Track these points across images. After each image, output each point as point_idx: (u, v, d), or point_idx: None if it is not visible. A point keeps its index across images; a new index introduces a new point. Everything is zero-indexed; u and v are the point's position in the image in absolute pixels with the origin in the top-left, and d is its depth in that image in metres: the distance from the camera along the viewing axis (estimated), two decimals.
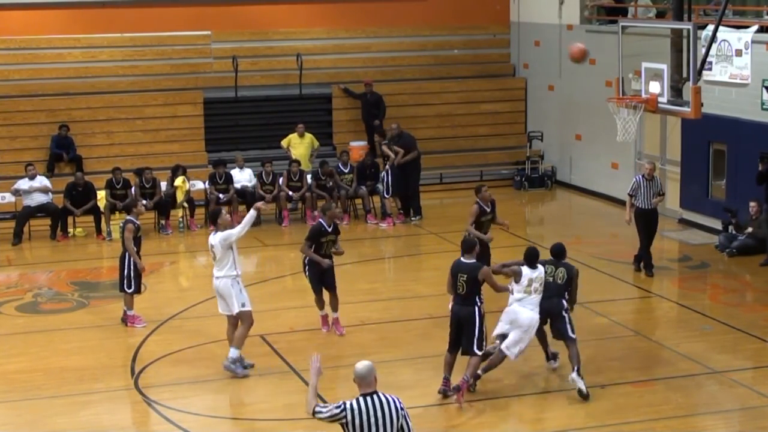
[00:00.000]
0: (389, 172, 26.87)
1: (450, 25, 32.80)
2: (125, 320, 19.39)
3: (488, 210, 19.73)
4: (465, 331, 15.68)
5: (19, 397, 16.44)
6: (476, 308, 15.64)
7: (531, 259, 16.12)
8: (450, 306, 16.23)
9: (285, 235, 26.24)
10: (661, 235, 25.32)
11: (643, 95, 21.28)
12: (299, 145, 28.82)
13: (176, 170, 26.98)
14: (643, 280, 21.73)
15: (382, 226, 26.52)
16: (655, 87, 21.13)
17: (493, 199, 19.97)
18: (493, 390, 16.17)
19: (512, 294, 16.15)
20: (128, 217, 19.45)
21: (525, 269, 16.04)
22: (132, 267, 19.10)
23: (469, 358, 15.64)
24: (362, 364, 10.50)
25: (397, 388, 16.28)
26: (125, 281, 19.23)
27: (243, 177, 27.48)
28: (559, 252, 16.71)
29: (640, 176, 22.53)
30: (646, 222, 22.20)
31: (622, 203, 27.89)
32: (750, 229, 23.26)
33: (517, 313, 15.97)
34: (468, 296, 15.64)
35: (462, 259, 15.87)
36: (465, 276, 15.63)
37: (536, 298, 16.01)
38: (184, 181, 26.72)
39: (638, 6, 27.73)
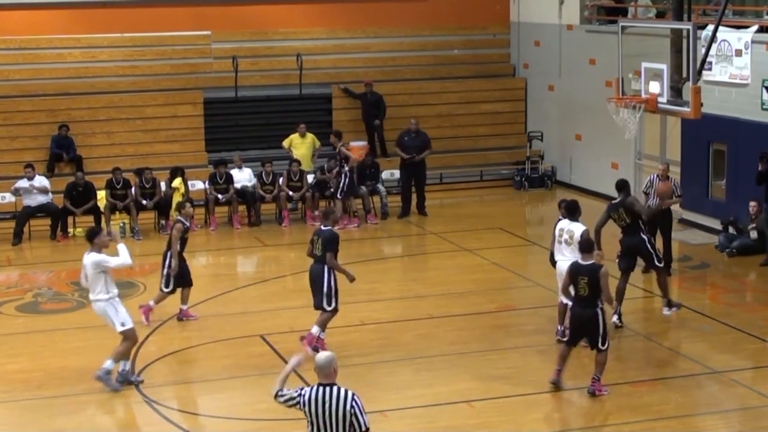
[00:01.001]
0: (347, 174, 26.76)
1: (450, 25, 32.80)
2: (181, 317, 19.69)
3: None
4: (588, 331, 15.78)
5: (20, 397, 16.45)
6: (599, 310, 15.67)
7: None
8: (562, 304, 17.40)
9: (285, 235, 26.25)
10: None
11: (643, 95, 21.30)
12: (301, 146, 28.82)
13: (175, 172, 26.99)
14: (644, 280, 21.73)
15: (350, 226, 26.64)
16: (654, 87, 21.15)
17: None
18: (494, 390, 16.19)
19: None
20: (178, 217, 19.66)
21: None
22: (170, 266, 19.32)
23: (596, 354, 15.78)
24: (323, 355, 10.67)
25: (397, 388, 16.37)
26: (163, 279, 19.45)
27: (242, 177, 27.48)
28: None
29: (655, 175, 22.55)
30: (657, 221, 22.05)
31: None
32: (753, 226, 23.20)
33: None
34: (591, 298, 15.62)
35: (580, 260, 15.98)
36: (586, 278, 15.65)
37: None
38: (181, 183, 26.72)
39: (638, 6, 27.74)
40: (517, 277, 22.54)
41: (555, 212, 28.74)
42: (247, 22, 31.45)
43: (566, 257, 17.47)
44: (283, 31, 31.75)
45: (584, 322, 15.67)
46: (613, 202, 19.43)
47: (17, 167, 26.90)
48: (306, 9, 31.86)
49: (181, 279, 19.56)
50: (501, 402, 15.81)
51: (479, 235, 25.38)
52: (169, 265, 19.26)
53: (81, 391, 16.32)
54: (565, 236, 17.89)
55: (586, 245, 16.11)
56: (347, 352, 17.70)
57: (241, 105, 30.81)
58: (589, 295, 15.59)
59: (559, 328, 17.89)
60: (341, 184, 26.59)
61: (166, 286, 19.44)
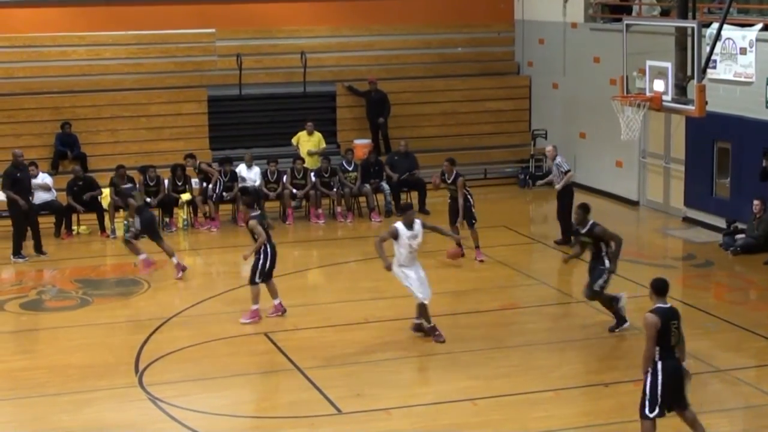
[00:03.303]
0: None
1: (454, 23, 32.84)
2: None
3: None
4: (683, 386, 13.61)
5: (24, 395, 16.48)
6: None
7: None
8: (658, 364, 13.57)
9: (289, 233, 26.28)
10: (665, 234, 25.41)
11: (648, 93, 21.33)
12: (307, 143, 28.88)
13: (175, 169, 27.02)
14: (648, 276, 21.68)
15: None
16: (659, 85, 21.17)
17: None
18: (497, 388, 16.22)
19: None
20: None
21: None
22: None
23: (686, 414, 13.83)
24: None
25: (400, 386, 16.41)
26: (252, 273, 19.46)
27: (251, 175, 27.50)
28: None
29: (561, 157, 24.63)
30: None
31: (627, 201, 28.13)
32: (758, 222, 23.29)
33: None
34: (681, 346, 13.60)
35: (661, 304, 13.60)
36: (677, 322, 13.50)
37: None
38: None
39: (642, 4, 27.76)
40: (521, 275, 22.58)
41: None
42: (252, 19, 31.50)
43: None
44: (287, 29, 31.80)
45: (683, 375, 13.47)
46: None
47: None
48: (310, 7, 31.90)
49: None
50: (504, 400, 15.81)
51: (483, 232, 25.30)
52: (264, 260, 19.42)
53: (85, 388, 16.35)
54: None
55: (664, 287, 13.75)
56: (351, 349, 17.77)
57: (246, 103, 30.88)
58: (680, 341, 13.53)
59: (415, 321, 18.38)
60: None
61: (253, 280, 19.47)
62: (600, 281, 18.43)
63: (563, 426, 15.07)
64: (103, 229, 26.42)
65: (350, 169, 27.66)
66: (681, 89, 21.15)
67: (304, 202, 27.74)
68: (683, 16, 22.01)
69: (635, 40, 22.47)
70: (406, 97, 31.27)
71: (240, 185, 26.79)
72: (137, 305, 20.80)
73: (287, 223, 27.04)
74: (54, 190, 26.37)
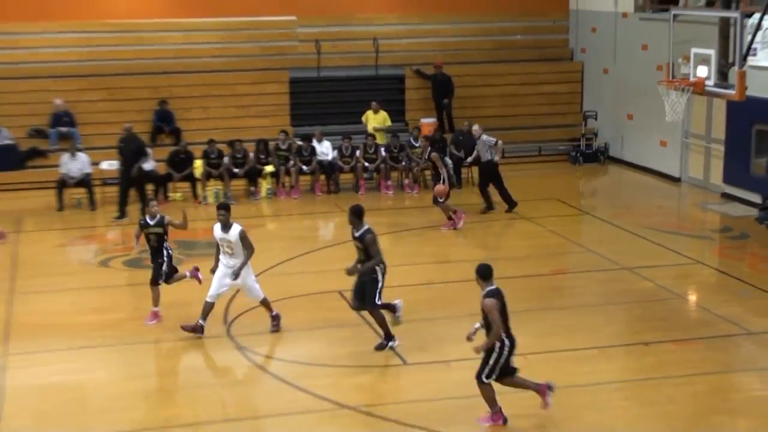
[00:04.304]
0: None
1: (513, 12, 32.82)
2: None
3: None
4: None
5: (128, 341, 16.76)
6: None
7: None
8: None
9: (361, 202, 26.38)
10: (704, 208, 25.35)
11: (692, 79, 21.28)
12: (373, 120, 29.12)
13: (260, 143, 27.30)
14: (688, 247, 21.72)
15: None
16: (702, 71, 21.13)
17: None
18: (548, 344, 16.36)
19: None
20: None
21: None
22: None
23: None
24: None
25: (460, 341, 16.46)
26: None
27: (322, 149, 27.74)
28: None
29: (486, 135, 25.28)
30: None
31: (670, 178, 28.06)
32: None
33: None
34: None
35: (490, 287, 13.80)
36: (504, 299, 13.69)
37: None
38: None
39: None
40: (571, 244, 22.65)
41: (607, 185, 29.08)
42: (330, 8, 31.64)
43: None
44: (362, 17, 31.91)
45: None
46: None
47: None
48: None
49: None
50: (553, 355, 15.96)
51: (537, 204, 25.46)
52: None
53: (181, 337, 16.66)
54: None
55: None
56: (417, 308, 17.90)
57: (323, 84, 31.01)
58: None
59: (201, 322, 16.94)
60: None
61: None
62: (379, 296, 16.34)
63: (607, 380, 15.17)
64: (195, 196, 26.78)
65: (417, 145, 27.81)
66: (723, 75, 21.11)
67: (375, 175, 27.95)
68: (727, 6, 22.00)
69: (681, 29, 22.40)
70: (468, 81, 31.29)
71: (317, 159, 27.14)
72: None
73: (359, 193, 27.23)
74: (153, 161, 26.70)
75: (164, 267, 17.62)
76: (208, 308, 16.83)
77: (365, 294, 16.21)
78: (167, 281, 17.76)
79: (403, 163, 27.64)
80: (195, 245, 22.61)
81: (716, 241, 23.04)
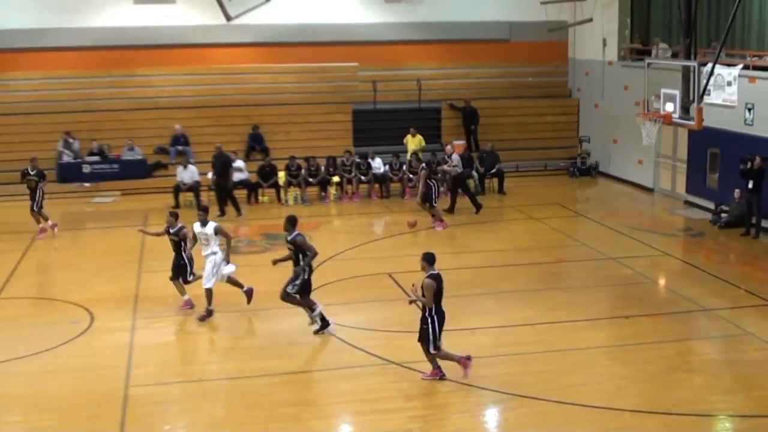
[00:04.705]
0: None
1: (525, 60, 32.61)
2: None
3: None
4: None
5: (227, 310, 16.78)
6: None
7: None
8: None
9: (406, 205, 26.44)
10: (672, 212, 25.14)
11: (662, 112, 21.19)
12: (410, 142, 29.13)
13: (329, 160, 27.32)
14: (659, 242, 21.56)
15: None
16: (670, 107, 21.06)
17: None
18: (550, 316, 16.25)
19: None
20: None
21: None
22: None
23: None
24: None
25: (482, 313, 16.52)
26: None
27: (375, 164, 27.74)
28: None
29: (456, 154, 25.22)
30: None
31: (645, 189, 27.82)
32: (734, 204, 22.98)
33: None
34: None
35: (433, 271, 13.46)
36: (442, 284, 13.43)
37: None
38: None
39: (659, 48, 27.41)
40: (568, 238, 22.53)
41: (598, 194, 28.91)
42: (383, 57, 31.59)
43: None
44: (408, 64, 31.83)
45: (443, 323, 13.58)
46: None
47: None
48: (424, 48, 31.90)
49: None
50: (555, 326, 15.90)
51: (542, 208, 25.35)
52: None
53: (269, 306, 16.69)
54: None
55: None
56: (447, 286, 17.80)
57: (378, 114, 30.94)
58: None
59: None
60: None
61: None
62: (293, 286, 15.56)
63: (596, 345, 15.13)
64: (279, 199, 26.85)
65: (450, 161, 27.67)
66: (685, 109, 21.02)
67: (417, 184, 27.84)
68: (688, 57, 21.82)
69: (653, 74, 22.33)
70: (490, 112, 31.15)
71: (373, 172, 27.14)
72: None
73: (405, 198, 27.17)
74: (246, 172, 26.82)
75: (188, 269, 16.88)
76: (210, 294, 16.45)
77: (289, 284, 15.52)
78: (186, 281, 17.05)
79: (439, 175, 27.46)
80: (278, 237, 22.66)
81: (680, 238, 22.85)
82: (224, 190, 25.01)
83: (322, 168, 27.24)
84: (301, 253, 15.39)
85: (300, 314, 16.11)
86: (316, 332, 15.57)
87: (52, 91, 29.68)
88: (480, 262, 19.98)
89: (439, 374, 13.54)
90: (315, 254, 15.51)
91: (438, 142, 30.53)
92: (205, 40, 30.35)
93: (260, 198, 26.93)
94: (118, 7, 29.97)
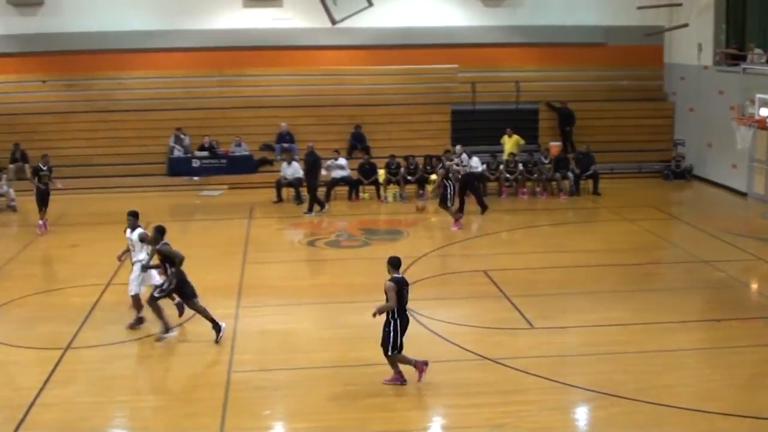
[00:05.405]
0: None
1: (622, 63, 32.10)
2: None
3: None
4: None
5: (325, 301, 16.98)
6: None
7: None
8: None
9: (503, 204, 26.31)
10: (765, 217, 24.45)
11: (756, 117, 20.67)
12: (507, 142, 28.91)
13: (427, 158, 27.29)
14: (752, 247, 21.01)
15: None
16: (764, 111, 20.54)
17: None
18: (642, 317, 15.96)
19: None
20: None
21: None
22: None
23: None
24: None
25: (575, 312, 16.33)
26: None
27: (473, 163, 27.45)
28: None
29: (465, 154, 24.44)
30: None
31: (739, 193, 27.12)
32: None
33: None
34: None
35: (396, 275, 13.24)
36: (407, 288, 13.23)
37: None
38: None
39: (754, 54, 26.72)
40: (661, 241, 22.12)
41: (692, 197, 28.28)
42: (482, 59, 31.40)
43: None
44: (507, 66, 31.59)
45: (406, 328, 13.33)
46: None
47: (329, 152, 27.59)
48: (522, 51, 31.63)
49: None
50: (646, 327, 15.57)
51: (636, 210, 24.96)
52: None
53: (364, 299, 16.48)
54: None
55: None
56: (540, 285, 17.75)
57: (476, 115, 30.76)
58: None
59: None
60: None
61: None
62: (159, 291, 15.13)
63: (687, 347, 14.82)
64: (379, 196, 26.93)
65: (546, 162, 27.49)
66: None
67: (514, 183, 27.67)
68: None
69: (748, 79, 21.85)
70: (586, 114, 30.75)
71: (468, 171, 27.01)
72: (400, 247, 21.17)
73: (502, 197, 27.00)
74: (348, 169, 26.97)
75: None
76: (135, 301, 15.69)
77: (157, 288, 15.15)
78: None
79: (535, 176, 27.32)
80: (377, 232, 22.78)
81: None
82: (309, 187, 25.16)
83: (421, 166, 27.23)
84: (168, 262, 14.89)
85: None
86: (158, 339, 15.02)
87: (165, 90, 30.30)
88: (573, 261, 19.75)
89: (400, 379, 13.27)
90: (181, 261, 14.86)
91: (535, 143, 30.27)
92: (311, 42, 30.60)
93: (361, 194, 27.05)
94: (229, 10, 30.43)
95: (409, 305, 16.42)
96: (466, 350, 14.48)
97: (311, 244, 21.62)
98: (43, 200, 22.76)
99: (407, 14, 30.95)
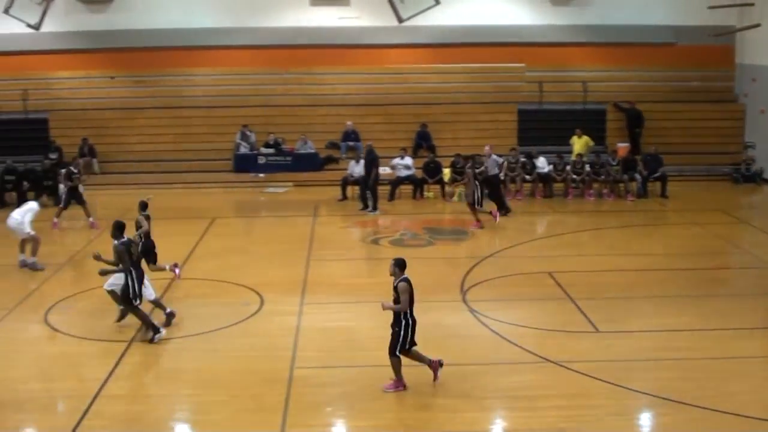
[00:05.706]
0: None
1: (691, 64, 31.64)
2: None
3: None
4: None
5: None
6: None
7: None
8: None
9: (569, 205, 26.09)
10: None
11: None
12: (577, 143, 28.66)
13: (457, 156, 27.18)
14: None
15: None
16: None
17: None
18: (707, 323, 15.71)
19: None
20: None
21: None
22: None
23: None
24: None
25: (640, 316, 16.11)
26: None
27: (539, 164, 27.43)
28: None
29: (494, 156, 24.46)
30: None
31: None
32: None
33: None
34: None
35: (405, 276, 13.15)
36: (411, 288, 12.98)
37: None
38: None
39: None
40: (730, 245, 21.74)
41: (761, 201, 27.77)
42: (549, 58, 31.20)
43: None
44: (574, 65, 31.36)
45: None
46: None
47: (394, 150, 27.67)
48: (590, 50, 31.38)
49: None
50: (711, 333, 15.33)
51: (704, 213, 24.58)
52: None
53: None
54: None
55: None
56: (606, 288, 17.56)
57: (543, 114, 30.60)
58: None
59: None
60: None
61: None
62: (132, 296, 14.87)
63: (754, 354, 14.52)
64: (443, 195, 26.88)
65: (614, 163, 27.19)
66: None
67: (580, 184, 27.42)
68: None
69: None
70: (654, 115, 30.39)
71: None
72: (464, 247, 21.14)
73: (568, 198, 26.79)
74: (413, 168, 26.96)
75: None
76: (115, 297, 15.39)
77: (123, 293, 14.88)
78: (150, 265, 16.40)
79: (603, 177, 27.05)
80: (441, 231, 22.74)
81: None
82: (365, 185, 25.14)
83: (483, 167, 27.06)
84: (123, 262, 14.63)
85: (458, 308, 16.10)
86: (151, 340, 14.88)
87: (231, 86, 30.60)
88: (639, 265, 19.49)
89: (400, 385, 13.10)
90: (128, 268, 14.62)
91: (603, 144, 29.99)
92: (377, 41, 30.66)
93: (425, 193, 27.02)
94: (296, 9, 30.63)
95: (474, 306, 16.46)
96: (529, 352, 14.37)
97: (375, 242, 21.64)
98: (77, 200, 23.23)
99: (474, 13, 30.86)
